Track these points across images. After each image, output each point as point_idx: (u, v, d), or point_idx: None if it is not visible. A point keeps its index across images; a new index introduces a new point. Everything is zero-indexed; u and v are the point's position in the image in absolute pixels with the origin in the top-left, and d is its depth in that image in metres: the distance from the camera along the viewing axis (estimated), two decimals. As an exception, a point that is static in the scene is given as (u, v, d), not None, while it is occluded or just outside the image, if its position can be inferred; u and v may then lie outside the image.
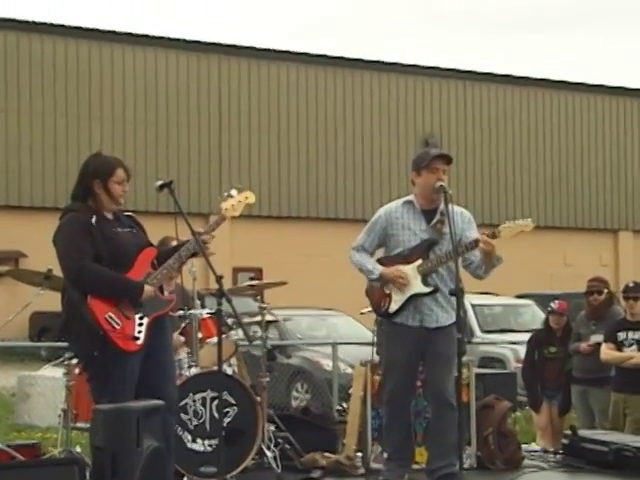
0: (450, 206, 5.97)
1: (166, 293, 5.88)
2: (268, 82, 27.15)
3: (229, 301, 5.63)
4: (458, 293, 5.88)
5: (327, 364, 11.85)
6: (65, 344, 6.55)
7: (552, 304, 9.41)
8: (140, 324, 5.60)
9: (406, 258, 6.24)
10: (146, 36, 26.58)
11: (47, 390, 8.28)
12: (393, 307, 6.26)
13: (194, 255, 5.81)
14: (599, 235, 31.32)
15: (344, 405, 8.49)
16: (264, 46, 27.92)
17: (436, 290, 6.17)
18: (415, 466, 6.55)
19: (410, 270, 6.20)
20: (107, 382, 5.55)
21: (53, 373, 8.20)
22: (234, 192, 5.99)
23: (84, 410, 6.66)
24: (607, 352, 8.06)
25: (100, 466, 5.06)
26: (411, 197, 6.33)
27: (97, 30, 26.20)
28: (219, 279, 5.57)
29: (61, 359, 6.97)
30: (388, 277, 6.21)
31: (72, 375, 6.74)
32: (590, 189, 31.32)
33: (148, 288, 5.62)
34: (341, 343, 11.52)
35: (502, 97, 30.40)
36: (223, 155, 26.54)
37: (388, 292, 6.32)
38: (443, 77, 29.71)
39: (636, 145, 32.10)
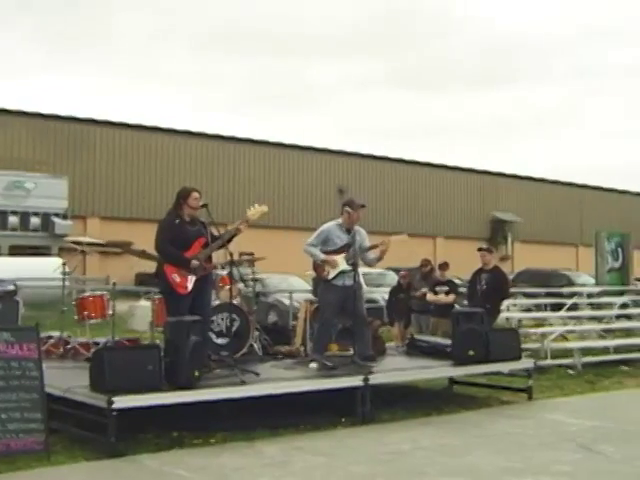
0: (357, 227, 10.80)
1: (215, 262, 9.94)
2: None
3: (236, 267, 10.39)
4: (355, 268, 10.67)
5: (286, 302, 19.40)
6: (152, 288, 11.56)
7: (401, 272, 16.56)
8: (191, 280, 9.41)
9: (337, 251, 10.68)
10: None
11: (142, 311, 12.17)
12: (330, 276, 10.67)
13: (224, 244, 9.65)
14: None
15: (294, 322, 13.83)
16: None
17: (353, 268, 10.61)
18: (328, 353, 11.02)
19: (339, 258, 10.64)
20: (173, 307, 9.42)
21: (145, 303, 12.86)
22: (256, 205, 10.03)
23: (161, 320, 10.84)
24: (430, 296, 14.34)
25: (168, 348, 8.49)
26: (340, 220, 10.82)
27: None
28: (231, 255, 9.83)
29: (149, 295, 12.05)
30: (328, 260, 10.62)
31: (155, 303, 11.40)
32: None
33: (194, 262, 9.36)
34: (294, 291, 19.86)
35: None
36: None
37: (327, 269, 10.66)
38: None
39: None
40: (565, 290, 25.02)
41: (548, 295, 25.91)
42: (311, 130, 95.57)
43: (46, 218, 34.78)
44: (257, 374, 9.50)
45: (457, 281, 16.62)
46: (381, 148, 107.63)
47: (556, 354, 15.34)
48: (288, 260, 30.76)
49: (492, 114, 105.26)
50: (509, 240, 57.09)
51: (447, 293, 15.20)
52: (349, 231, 10.88)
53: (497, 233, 57.27)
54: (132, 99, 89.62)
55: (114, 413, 7.75)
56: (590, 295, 22.80)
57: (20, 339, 7.90)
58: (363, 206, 11.02)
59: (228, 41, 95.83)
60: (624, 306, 20.71)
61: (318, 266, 10.90)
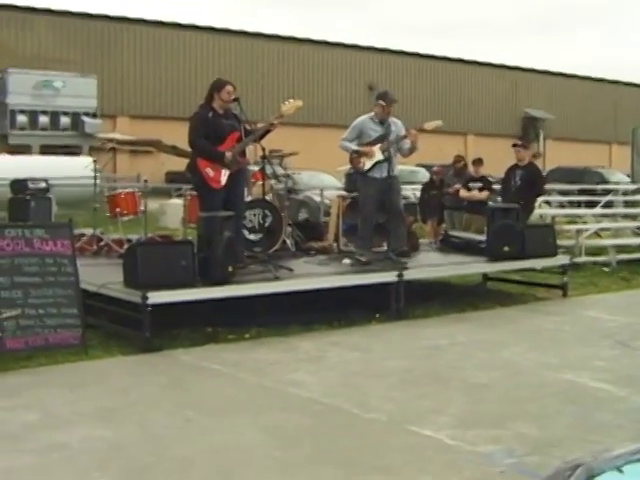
0: (392, 118, 10.49)
1: (247, 157, 9.76)
2: None
3: (270, 162, 10.28)
4: (390, 159, 10.37)
5: (317, 199, 19.07)
6: (181, 185, 11.54)
7: (433, 168, 16.33)
8: (224, 174, 9.16)
9: (372, 144, 10.43)
10: None
11: (173, 209, 12.76)
12: (366, 167, 10.46)
13: (258, 139, 9.51)
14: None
15: (326, 218, 13.74)
16: None
17: (389, 158, 10.33)
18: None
19: (375, 148, 10.40)
20: (206, 202, 9.20)
21: (176, 201, 12.95)
22: (291, 100, 9.75)
23: (193, 217, 10.73)
24: (463, 193, 14.15)
25: (201, 244, 8.37)
26: (372, 114, 10.56)
27: None
28: (264, 150, 9.69)
29: (180, 192, 12.04)
30: (362, 150, 10.43)
31: (187, 200, 11.27)
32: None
33: (228, 155, 9.04)
34: (325, 188, 19.55)
35: None
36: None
37: (362, 160, 10.45)
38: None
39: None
40: (599, 187, 24.71)
41: (581, 192, 25.62)
42: (344, 27, 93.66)
43: (76, 117, 34.73)
44: (291, 270, 9.46)
45: (489, 178, 16.42)
46: (413, 45, 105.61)
47: (590, 251, 15.19)
48: (318, 157, 31.04)
49: (529, 7, 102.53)
50: (541, 137, 56.26)
51: (481, 189, 14.99)
52: (383, 123, 10.61)
53: (529, 130, 56.45)
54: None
55: (149, 308, 7.74)
56: (625, 193, 22.50)
57: (54, 235, 7.86)
58: (395, 101, 10.73)
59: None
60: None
61: (354, 159, 10.69)
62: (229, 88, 9.45)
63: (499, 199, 16.88)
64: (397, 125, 10.62)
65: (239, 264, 9.10)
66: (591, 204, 24.01)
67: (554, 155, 52.99)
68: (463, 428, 5.59)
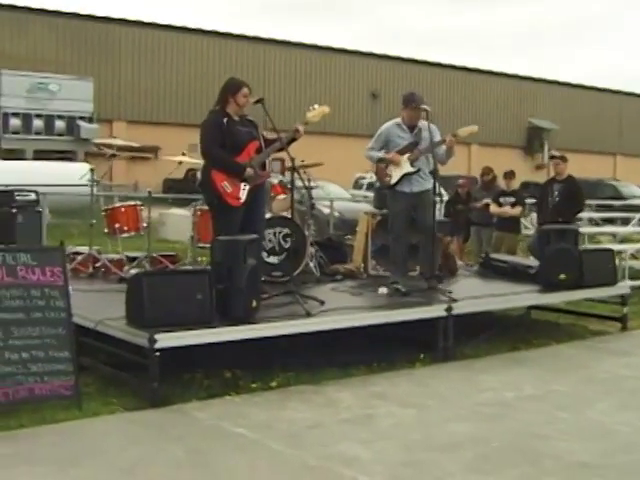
0: (423, 122, 9.14)
1: (267, 169, 8.29)
2: None
3: (299, 174, 8.73)
4: (435, 172, 9.12)
5: (326, 211, 17.79)
6: (178, 195, 10.06)
7: (459, 181, 15.01)
8: (243, 189, 7.96)
9: (399, 153, 9.17)
10: None
11: (174, 220, 11.40)
12: (393, 181, 9.23)
13: (282, 149, 8.13)
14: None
15: (349, 237, 12.26)
16: None
17: (418, 170, 9.13)
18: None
19: (402, 159, 9.15)
20: (222, 222, 7.88)
21: (177, 211, 11.63)
22: (316, 106, 8.51)
23: (203, 235, 9.83)
24: (494, 208, 12.85)
25: (220, 273, 6.95)
26: (398, 120, 9.32)
27: None
28: (292, 160, 8.33)
29: (189, 205, 10.62)
30: (389, 158, 9.15)
31: (197, 215, 10.03)
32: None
33: (249, 169, 7.93)
34: (335, 199, 18.71)
35: None
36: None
37: (389, 172, 9.20)
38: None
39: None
40: (620, 202, 23.36)
41: (600, 208, 24.32)
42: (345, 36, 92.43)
43: (71, 121, 33.37)
44: (322, 302, 8.03)
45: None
46: (418, 53, 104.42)
47: (632, 274, 13.81)
48: (321, 167, 29.22)
49: (530, 20, 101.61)
50: (545, 148, 54.95)
51: (513, 205, 13.65)
52: (412, 129, 9.29)
53: (533, 141, 55.25)
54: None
55: (157, 353, 6.31)
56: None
57: (43, 262, 6.42)
58: (423, 103, 9.24)
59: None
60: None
61: (380, 171, 9.41)
62: (245, 90, 8.13)
63: (533, 216, 15.54)
64: (430, 130, 9.17)
65: (263, 295, 7.69)
66: (609, 220, 22.68)
67: (559, 166, 51.69)
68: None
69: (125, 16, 40.51)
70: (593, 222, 21.56)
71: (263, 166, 8.29)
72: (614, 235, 17.65)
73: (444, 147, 9.20)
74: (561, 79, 58.23)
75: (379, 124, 9.90)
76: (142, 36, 40.51)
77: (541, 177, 46.32)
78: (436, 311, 8.24)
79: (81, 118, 33.67)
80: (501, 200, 13.64)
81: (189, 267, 9.88)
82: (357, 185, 33.09)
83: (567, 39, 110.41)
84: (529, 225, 16.98)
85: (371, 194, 30.30)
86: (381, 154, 9.27)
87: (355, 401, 6.68)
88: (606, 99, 59.38)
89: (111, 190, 22.48)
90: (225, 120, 8.05)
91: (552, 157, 12.82)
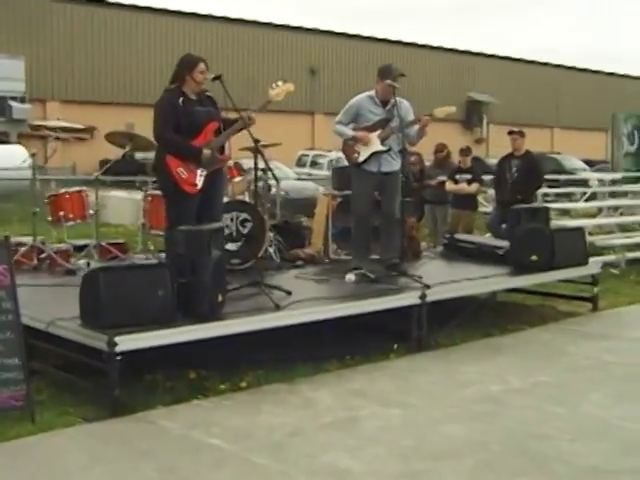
0: (398, 98, 8.53)
1: (227, 152, 7.69)
2: None
3: (262, 155, 8.01)
4: (404, 152, 8.58)
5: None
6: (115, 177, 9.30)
7: (411, 158, 14.46)
8: (200, 175, 7.44)
9: (369, 129, 8.63)
10: None
11: (115, 203, 10.92)
12: (361, 159, 8.65)
13: (243, 128, 7.50)
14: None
15: (303, 219, 11.77)
16: None
17: (389, 149, 8.61)
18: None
19: (373, 136, 8.61)
20: (177, 210, 7.44)
21: (117, 193, 11.01)
22: (280, 83, 7.84)
23: (154, 222, 9.25)
24: (449, 185, 12.45)
25: (181, 267, 6.43)
26: (372, 93, 8.72)
27: None
28: (256, 142, 7.73)
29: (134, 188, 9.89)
30: (358, 137, 8.60)
31: (147, 200, 9.40)
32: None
33: (206, 151, 7.37)
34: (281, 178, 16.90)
35: None
36: None
37: (357, 149, 8.65)
38: None
39: None
40: (578, 177, 23.22)
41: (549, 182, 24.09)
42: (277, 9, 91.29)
43: (2, 102, 32.16)
44: (289, 293, 7.51)
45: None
46: (355, 29, 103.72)
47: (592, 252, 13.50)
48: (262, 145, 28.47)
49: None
50: (484, 122, 54.92)
51: (469, 182, 13.23)
52: (385, 104, 8.72)
53: (472, 115, 55.08)
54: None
55: (117, 358, 5.74)
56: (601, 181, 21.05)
57: (-15, 259, 5.80)
58: (401, 76, 8.75)
59: None
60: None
61: (347, 147, 8.83)
62: (202, 66, 7.54)
63: (490, 192, 15.16)
64: (403, 107, 8.68)
65: (226, 288, 7.12)
66: (566, 195, 22.49)
67: (498, 140, 51.65)
68: None
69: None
70: (547, 198, 21.34)
71: (222, 149, 7.71)
72: (568, 211, 17.48)
73: (416, 127, 8.67)
74: (500, 53, 58.12)
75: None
76: (74, 12, 39.20)
77: (481, 151, 46.30)
78: (410, 299, 7.78)
79: (12, 98, 32.52)
80: (457, 177, 13.23)
81: (143, 258, 9.37)
82: (300, 163, 32.50)
83: (507, 13, 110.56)
84: (485, 202, 16.65)
85: (315, 172, 29.99)
86: (351, 132, 8.69)
87: (334, 401, 6.19)
88: (544, 72, 59.44)
89: (47, 173, 21.61)
90: (181, 100, 7.48)
91: (510, 132, 12.44)
